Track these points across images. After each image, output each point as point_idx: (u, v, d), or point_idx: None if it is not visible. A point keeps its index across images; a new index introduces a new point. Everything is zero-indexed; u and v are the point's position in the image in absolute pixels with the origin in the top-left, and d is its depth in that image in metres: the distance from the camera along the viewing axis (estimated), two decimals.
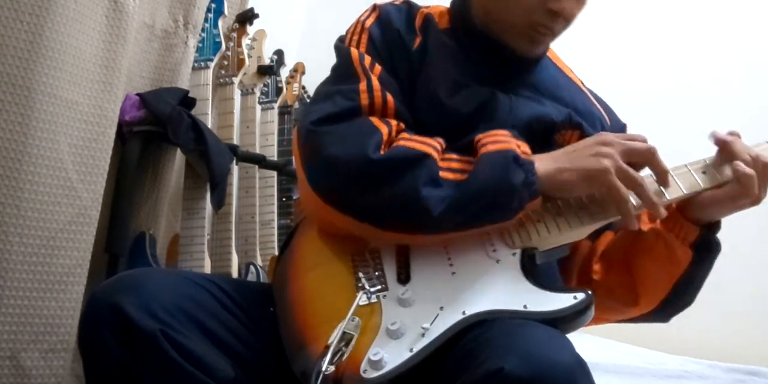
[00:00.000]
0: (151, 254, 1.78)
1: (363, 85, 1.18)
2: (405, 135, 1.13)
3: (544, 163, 1.09)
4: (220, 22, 2.00)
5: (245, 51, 2.09)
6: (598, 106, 1.35)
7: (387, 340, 1.04)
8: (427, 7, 1.31)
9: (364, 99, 1.17)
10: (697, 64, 2.72)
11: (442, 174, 1.07)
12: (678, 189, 1.14)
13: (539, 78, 1.30)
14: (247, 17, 2.10)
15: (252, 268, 1.98)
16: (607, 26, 2.66)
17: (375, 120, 1.15)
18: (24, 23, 1.46)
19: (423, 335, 1.03)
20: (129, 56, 1.69)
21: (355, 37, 1.26)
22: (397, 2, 1.32)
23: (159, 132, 1.78)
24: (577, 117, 1.25)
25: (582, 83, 1.38)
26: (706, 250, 1.19)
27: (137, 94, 1.79)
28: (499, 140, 1.11)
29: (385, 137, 1.11)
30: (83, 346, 1.10)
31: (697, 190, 1.15)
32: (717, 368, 2.10)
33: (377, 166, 1.08)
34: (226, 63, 2.06)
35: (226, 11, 2.03)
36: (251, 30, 2.15)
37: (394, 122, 1.15)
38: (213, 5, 2.00)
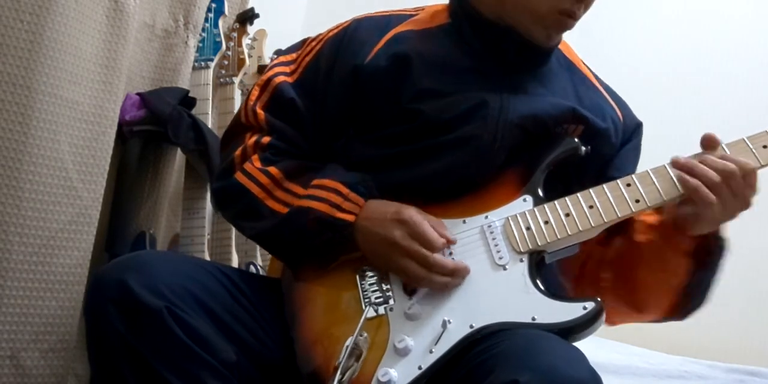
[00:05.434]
0: None
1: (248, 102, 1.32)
2: (255, 157, 1.25)
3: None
4: (220, 22, 2.00)
5: (246, 51, 2.09)
6: (612, 101, 1.32)
7: (395, 358, 1.04)
8: (407, 22, 1.29)
9: (243, 116, 1.32)
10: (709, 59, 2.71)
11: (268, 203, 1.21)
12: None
13: (546, 70, 1.28)
14: (247, 17, 2.10)
15: (252, 267, 1.98)
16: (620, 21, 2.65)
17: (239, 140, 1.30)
18: (24, 23, 1.46)
19: (431, 351, 1.03)
20: (129, 56, 1.69)
21: (313, 43, 1.33)
22: (378, 15, 1.32)
23: (159, 132, 1.78)
24: (581, 112, 1.23)
25: (596, 77, 1.36)
26: (707, 255, 1.16)
27: (137, 94, 1.79)
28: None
29: (237, 159, 1.27)
30: (88, 319, 1.11)
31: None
32: (717, 368, 2.10)
33: (214, 195, 1.40)
34: (226, 63, 2.06)
35: (226, 11, 2.03)
36: (251, 30, 2.15)
37: (251, 140, 1.27)
38: (213, 5, 1.99)
